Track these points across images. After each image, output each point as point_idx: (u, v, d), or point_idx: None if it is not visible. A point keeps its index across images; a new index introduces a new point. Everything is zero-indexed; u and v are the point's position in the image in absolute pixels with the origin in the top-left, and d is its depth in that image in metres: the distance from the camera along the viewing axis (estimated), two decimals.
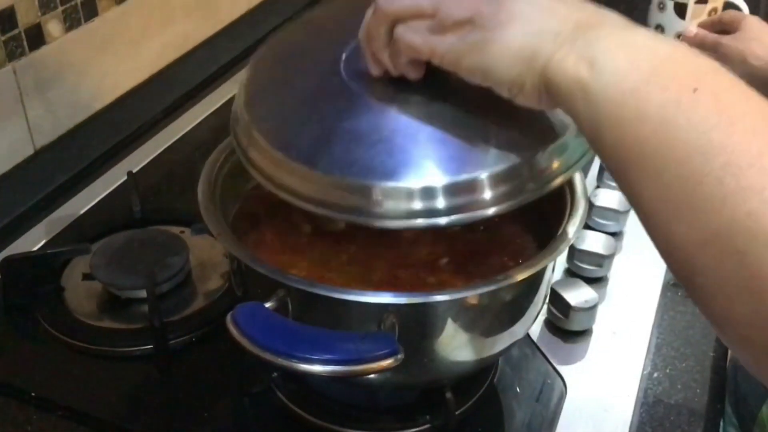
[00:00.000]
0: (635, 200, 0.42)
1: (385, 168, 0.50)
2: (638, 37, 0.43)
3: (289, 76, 0.59)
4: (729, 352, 0.76)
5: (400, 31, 0.50)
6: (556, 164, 0.52)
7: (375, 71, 0.54)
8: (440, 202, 0.49)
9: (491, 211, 0.50)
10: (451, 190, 0.49)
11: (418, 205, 0.49)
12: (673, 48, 0.42)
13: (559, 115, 0.52)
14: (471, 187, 0.50)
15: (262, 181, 0.54)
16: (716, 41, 0.96)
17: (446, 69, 0.50)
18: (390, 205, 0.50)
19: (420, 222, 0.50)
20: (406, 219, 0.50)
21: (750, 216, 0.36)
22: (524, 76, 0.46)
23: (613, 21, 0.45)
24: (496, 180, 0.50)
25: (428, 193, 0.49)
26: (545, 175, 0.52)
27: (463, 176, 0.50)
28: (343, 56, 0.57)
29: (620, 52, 0.42)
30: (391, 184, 0.49)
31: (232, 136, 0.58)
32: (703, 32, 0.98)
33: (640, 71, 0.41)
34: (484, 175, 0.50)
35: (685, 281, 0.41)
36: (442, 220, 0.50)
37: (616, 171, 0.43)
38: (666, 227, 0.40)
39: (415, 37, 0.49)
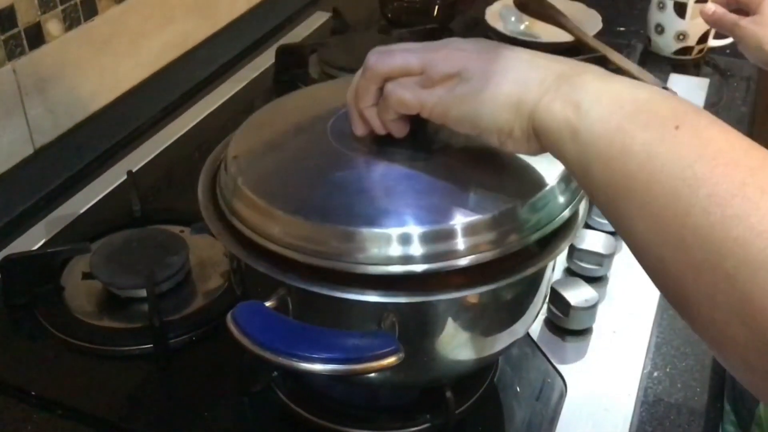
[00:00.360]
0: (627, 234, 0.43)
1: (364, 215, 0.51)
2: (619, 84, 0.45)
3: (277, 136, 0.62)
4: None
5: (390, 87, 0.52)
6: (534, 219, 0.53)
7: (360, 130, 0.56)
8: (417, 249, 0.50)
9: (466, 260, 0.51)
10: (428, 237, 0.50)
11: (395, 251, 0.50)
12: (652, 92, 0.44)
13: (538, 172, 0.54)
14: (448, 235, 0.51)
15: (245, 231, 0.54)
16: (734, 22, 0.92)
17: (435, 121, 0.52)
18: (367, 251, 0.50)
19: (397, 268, 0.50)
20: (383, 265, 0.50)
21: (737, 242, 0.37)
22: (512, 122, 0.48)
23: (594, 71, 0.47)
24: (474, 230, 0.51)
25: (405, 239, 0.50)
26: (524, 229, 0.53)
27: (440, 225, 0.51)
28: (330, 121, 0.59)
29: (603, 96, 0.44)
30: (368, 229, 0.50)
31: (218, 192, 0.59)
32: (722, 11, 0.94)
33: (624, 111, 0.43)
34: (460, 225, 0.51)
35: (681, 308, 0.41)
36: (419, 268, 0.50)
37: (606, 207, 0.44)
38: (658, 258, 0.41)
39: (405, 91, 0.51)
